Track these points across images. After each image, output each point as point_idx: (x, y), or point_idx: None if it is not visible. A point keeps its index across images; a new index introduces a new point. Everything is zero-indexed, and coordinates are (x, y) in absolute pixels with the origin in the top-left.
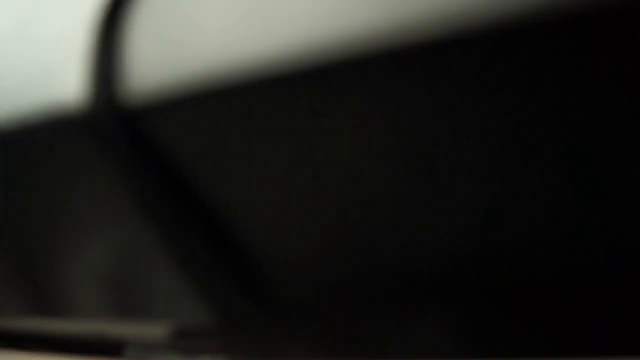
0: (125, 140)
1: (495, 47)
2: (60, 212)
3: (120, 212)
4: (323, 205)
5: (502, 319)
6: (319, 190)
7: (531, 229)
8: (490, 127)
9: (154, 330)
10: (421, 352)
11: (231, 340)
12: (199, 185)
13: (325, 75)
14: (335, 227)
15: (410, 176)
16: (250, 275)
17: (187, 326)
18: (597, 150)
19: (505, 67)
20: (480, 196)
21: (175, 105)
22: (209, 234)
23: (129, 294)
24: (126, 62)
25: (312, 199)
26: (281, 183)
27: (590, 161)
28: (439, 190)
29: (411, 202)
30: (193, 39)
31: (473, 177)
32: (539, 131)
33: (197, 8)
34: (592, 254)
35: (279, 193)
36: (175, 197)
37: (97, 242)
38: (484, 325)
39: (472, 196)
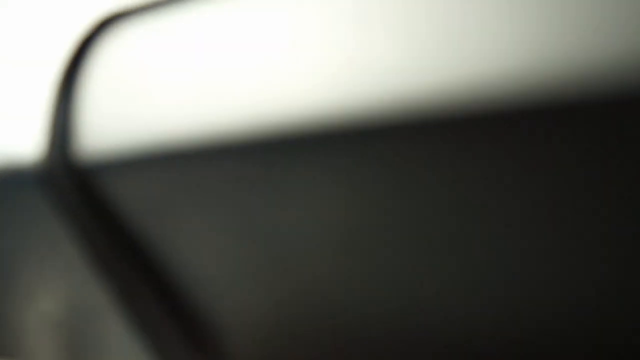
0: (78, 196)
1: (462, 138)
2: (14, 262)
3: (72, 264)
4: (272, 270)
5: None
6: (266, 256)
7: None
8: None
9: None
10: None
11: None
12: (149, 242)
13: (276, 149)
14: (283, 290)
15: (357, 250)
16: (198, 331)
17: None
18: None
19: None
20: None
21: (128, 165)
22: (159, 290)
23: (78, 342)
24: (82, 121)
25: (260, 264)
26: (227, 245)
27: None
28: (381, 266)
29: (356, 275)
30: (148, 103)
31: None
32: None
33: (154, 73)
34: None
35: (226, 254)
36: (126, 252)
37: (49, 292)
38: None
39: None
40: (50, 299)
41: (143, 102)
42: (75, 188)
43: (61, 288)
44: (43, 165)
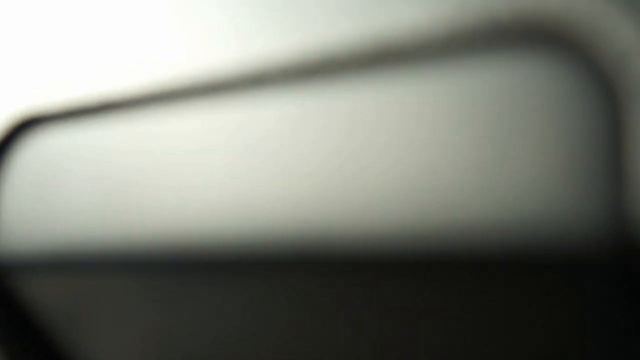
0: None
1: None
2: None
3: None
4: None
5: None
6: None
7: None
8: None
9: None
10: None
11: None
12: (64, 344)
13: (192, 262)
14: None
15: None
16: None
17: None
18: None
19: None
20: None
21: (43, 268)
22: None
23: None
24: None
25: None
26: (140, 352)
27: None
28: None
29: None
30: (65, 207)
31: None
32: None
33: (72, 177)
34: None
35: None
36: (40, 353)
37: None
38: None
39: None
40: None
41: (60, 206)
42: None
43: None
44: None
